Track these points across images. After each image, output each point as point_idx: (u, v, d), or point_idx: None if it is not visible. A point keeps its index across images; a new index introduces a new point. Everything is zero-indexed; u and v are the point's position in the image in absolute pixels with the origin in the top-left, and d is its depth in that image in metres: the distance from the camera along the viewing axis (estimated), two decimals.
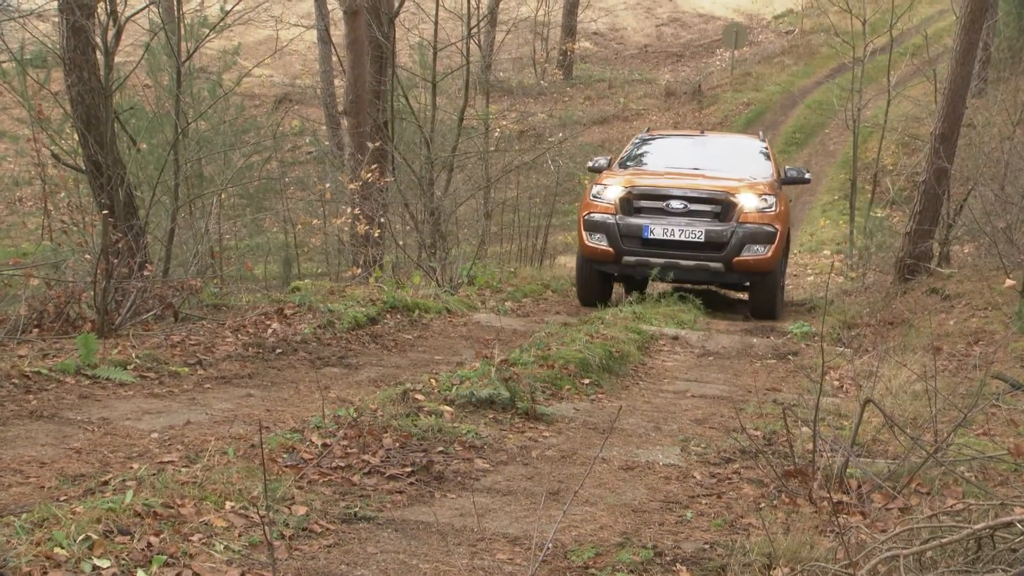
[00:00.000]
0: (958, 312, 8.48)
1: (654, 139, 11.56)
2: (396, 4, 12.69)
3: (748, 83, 27.24)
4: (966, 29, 9.82)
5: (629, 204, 9.40)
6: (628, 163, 10.68)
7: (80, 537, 2.90)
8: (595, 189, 9.70)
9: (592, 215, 9.54)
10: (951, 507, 3.62)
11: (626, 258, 9.41)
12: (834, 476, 4.00)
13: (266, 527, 2.91)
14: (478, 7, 14.23)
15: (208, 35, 8.34)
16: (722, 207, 9.26)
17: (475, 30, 13.81)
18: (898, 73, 17.65)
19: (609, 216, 9.42)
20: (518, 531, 3.47)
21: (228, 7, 11.02)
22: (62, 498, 3.31)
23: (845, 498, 3.90)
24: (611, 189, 9.54)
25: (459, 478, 3.97)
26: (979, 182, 10.88)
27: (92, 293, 5.71)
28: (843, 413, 5.33)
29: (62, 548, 2.83)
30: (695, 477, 4.20)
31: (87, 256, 6.29)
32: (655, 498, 3.92)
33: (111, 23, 7.27)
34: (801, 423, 4.74)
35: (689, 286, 10.14)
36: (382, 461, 4.01)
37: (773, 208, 9.35)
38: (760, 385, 6.23)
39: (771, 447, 4.60)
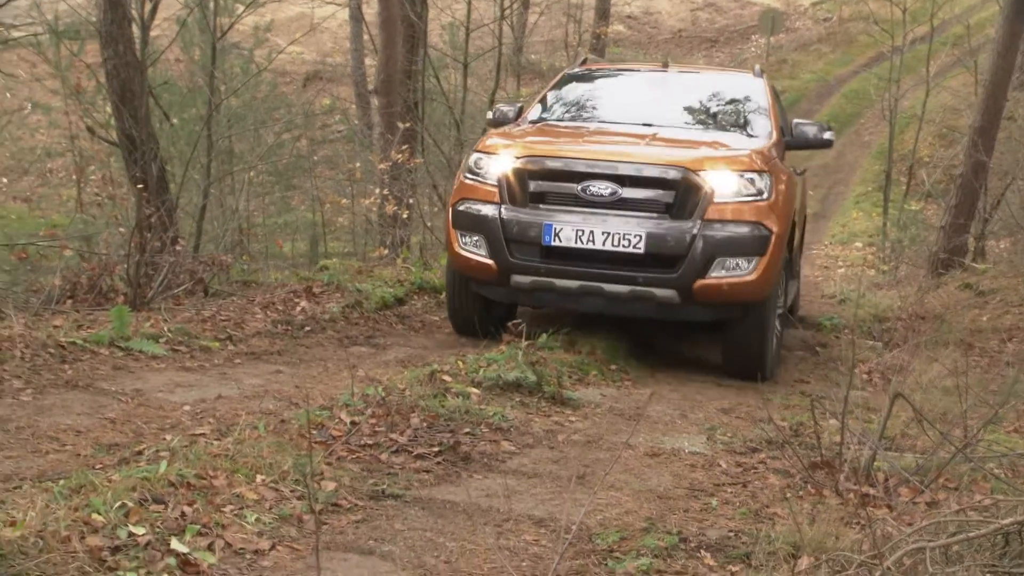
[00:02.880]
0: (992, 308, 8.44)
1: (589, 76, 7.70)
2: None
3: (783, 70, 27.04)
4: (1009, 20, 9.73)
5: (523, 185, 5.83)
6: (544, 115, 7.07)
7: (116, 504, 2.99)
8: (473, 159, 6.11)
9: (464, 204, 6.03)
10: (979, 502, 3.64)
11: (517, 277, 5.86)
12: (861, 469, 4.04)
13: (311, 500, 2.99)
14: None
15: (244, 12, 8.41)
16: (677, 193, 5.69)
17: (508, 11, 13.82)
18: (938, 63, 17.50)
19: (490, 206, 5.89)
20: (544, 513, 3.54)
21: None
22: (97, 466, 3.41)
23: (872, 491, 3.93)
24: (496, 160, 5.96)
25: (485, 459, 4.04)
26: (1018, 176, 10.80)
27: (125, 266, 5.82)
28: (872, 407, 5.34)
29: (99, 514, 2.92)
30: (720, 465, 4.24)
31: (121, 230, 6.41)
32: (680, 485, 3.97)
33: None
34: (829, 415, 4.77)
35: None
36: (409, 440, 4.08)
37: (766, 194, 5.76)
38: (788, 376, 6.26)
39: (798, 438, 4.64)
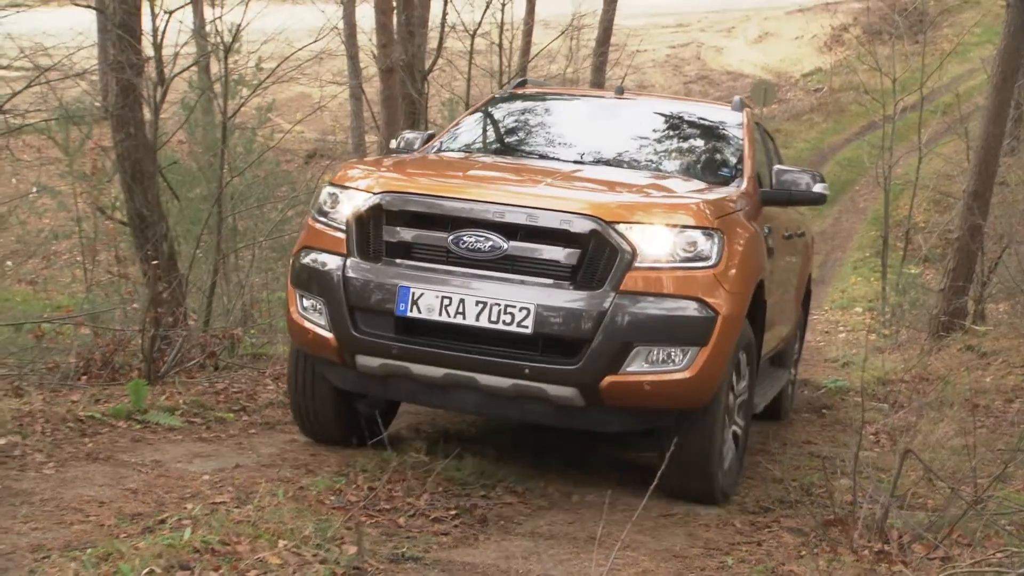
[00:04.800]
0: (995, 369, 8.54)
1: (522, 101, 6.18)
2: (429, 62, 13.07)
3: (777, 140, 27.47)
4: (998, 89, 10.00)
5: (378, 232, 4.42)
6: (453, 144, 5.66)
7: (144, 571, 3.06)
8: (324, 195, 4.68)
9: (308, 255, 4.58)
10: (992, 555, 3.70)
11: (363, 359, 4.39)
12: (874, 526, 4.10)
13: None
14: (509, 65, 14.63)
15: (250, 95, 8.68)
16: (585, 252, 4.24)
17: (506, 86, 14.18)
18: (929, 131, 17.87)
19: (335, 258, 4.45)
20: (562, 573, 3.59)
21: (264, 65, 11.40)
22: (122, 535, 3.48)
23: (886, 548, 3.98)
24: (349, 197, 4.53)
25: (502, 522, 4.10)
26: (1014, 239, 10.98)
27: (139, 342, 5.93)
28: (880, 467, 5.40)
29: None
30: (735, 525, 4.30)
31: (135, 306, 6.53)
32: (695, 544, 4.02)
33: (160, 83, 7.60)
34: (839, 474, 4.84)
35: None
36: (427, 504, 4.15)
37: (713, 259, 4.33)
38: (796, 438, 6.32)
39: (809, 497, 4.70)
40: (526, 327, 4.14)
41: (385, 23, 11.74)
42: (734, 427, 4.76)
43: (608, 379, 4.15)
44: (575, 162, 5.27)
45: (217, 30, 8.73)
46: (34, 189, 15.97)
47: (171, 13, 8.30)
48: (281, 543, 3.48)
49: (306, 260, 4.55)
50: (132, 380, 5.43)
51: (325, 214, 4.59)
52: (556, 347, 4.20)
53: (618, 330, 4.13)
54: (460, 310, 4.19)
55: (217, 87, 9.64)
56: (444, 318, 4.20)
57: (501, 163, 5.32)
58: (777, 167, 5.40)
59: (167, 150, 11.55)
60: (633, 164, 5.44)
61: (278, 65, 9.83)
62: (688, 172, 5.37)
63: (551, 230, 4.24)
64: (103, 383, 5.68)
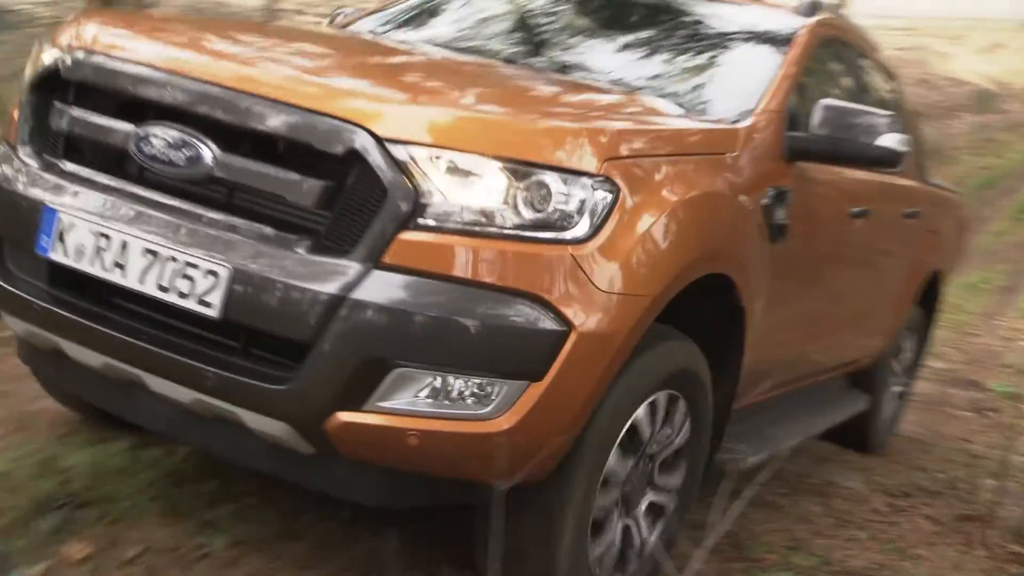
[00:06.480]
0: None
1: None
2: None
3: (990, 148, 25.46)
4: None
5: (47, 114, 2.46)
6: (373, 24, 3.76)
7: None
8: (33, 54, 2.60)
9: None
10: None
11: (9, 319, 2.49)
12: (1013, 528, 3.87)
13: None
14: None
15: None
16: (337, 187, 2.13)
17: None
18: None
19: (4, 152, 2.52)
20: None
21: None
22: None
23: (1021, 550, 3.75)
24: (46, 57, 2.50)
25: None
26: None
27: None
28: None
29: None
30: (872, 503, 4.15)
31: None
32: (830, 514, 3.92)
33: None
34: (989, 474, 4.56)
35: None
36: None
37: (583, 228, 2.19)
38: (952, 433, 5.98)
39: (953, 491, 4.46)
40: (210, 305, 2.17)
41: None
42: (650, 496, 2.74)
43: (341, 417, 2.13)
44: (506, 60, 3.33)
45: None
46: None
47: None
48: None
49: None
50: None
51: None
52: (262, 346, 2.21)
53: (362, 333, 2.09)
54: (119, 260, 2.26)
55: None
56: (96, 269, 2.28)
57: (351, 43, 3.30)
58: (823, 101, 3.08)
59: None
60: (586, 75, 3.28)
61: None
62: (674, 95, 3.13)
63: (288, 140, 2.21)
64: None
